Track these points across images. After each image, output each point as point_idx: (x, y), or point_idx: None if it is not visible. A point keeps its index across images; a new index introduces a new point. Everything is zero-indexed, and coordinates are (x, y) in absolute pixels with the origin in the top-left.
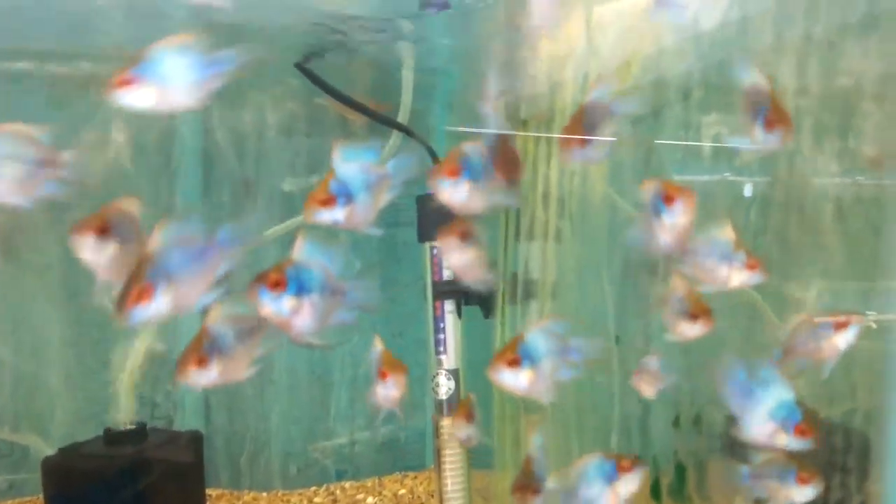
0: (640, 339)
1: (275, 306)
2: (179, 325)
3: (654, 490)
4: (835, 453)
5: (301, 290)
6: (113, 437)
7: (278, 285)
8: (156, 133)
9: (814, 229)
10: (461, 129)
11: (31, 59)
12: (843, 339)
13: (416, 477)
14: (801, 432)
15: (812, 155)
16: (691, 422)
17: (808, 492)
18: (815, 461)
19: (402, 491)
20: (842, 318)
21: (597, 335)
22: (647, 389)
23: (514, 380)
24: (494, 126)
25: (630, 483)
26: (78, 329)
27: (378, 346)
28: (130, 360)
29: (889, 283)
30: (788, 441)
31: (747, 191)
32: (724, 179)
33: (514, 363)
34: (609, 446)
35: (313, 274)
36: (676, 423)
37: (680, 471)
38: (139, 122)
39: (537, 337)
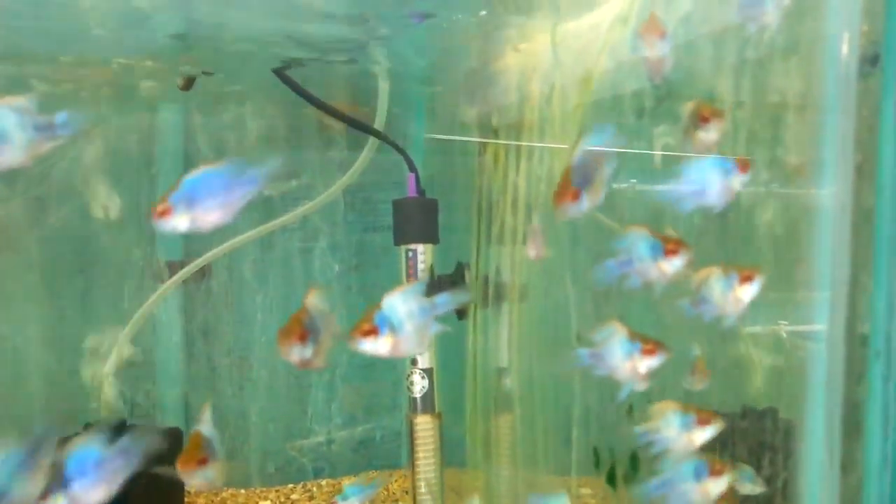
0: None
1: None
2: (158, 326)
3: (610, 478)
4: (765, 435)
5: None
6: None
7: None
8: (137, 136)
9: (750, 238)
10: (438, 136)
11: (14, 63)
12: (747, 293)
13: (391, 475)
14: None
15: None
16: (645, 412)
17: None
18: (751, 443)
19: None
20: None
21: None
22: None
23: (375, 347)
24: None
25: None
26: (58, 329)
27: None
28: (111, 359)
29: (810, 294)
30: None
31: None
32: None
33: (371, 333)
34: (570, 439)
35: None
36: (630, 413)
37: (633, 459)
38: (120, 126)
39: (395, 301)
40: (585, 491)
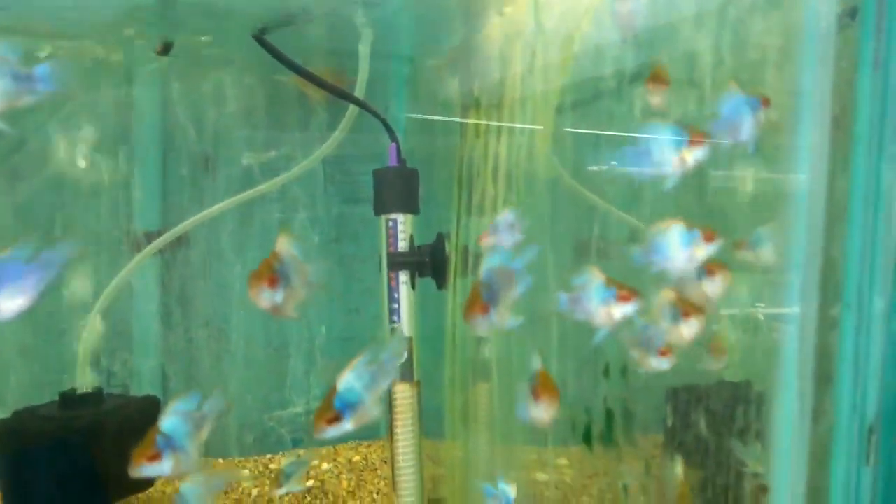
0: None
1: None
2: (134, 296)
3: (587, 437)
4: (739, 390)
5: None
6: (69, 401)
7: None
8: (113, 106)
9: (728, 217)
10: (420, 116)
11: None
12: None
13: (369, 445)
14: (662, 353)
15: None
16: (619, 372)
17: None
18: (726, 397)
19: (357, 458)
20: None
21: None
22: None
23: (342, 429)
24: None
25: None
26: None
27: (537, 363)
28: (86, 329)
29: (782, 276)
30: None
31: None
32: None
33: (335, 420)
34: None
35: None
36: (606, 373)
37: (609, 417)
38: (97, 94)
39: (350, 381)
40: (562, 461)
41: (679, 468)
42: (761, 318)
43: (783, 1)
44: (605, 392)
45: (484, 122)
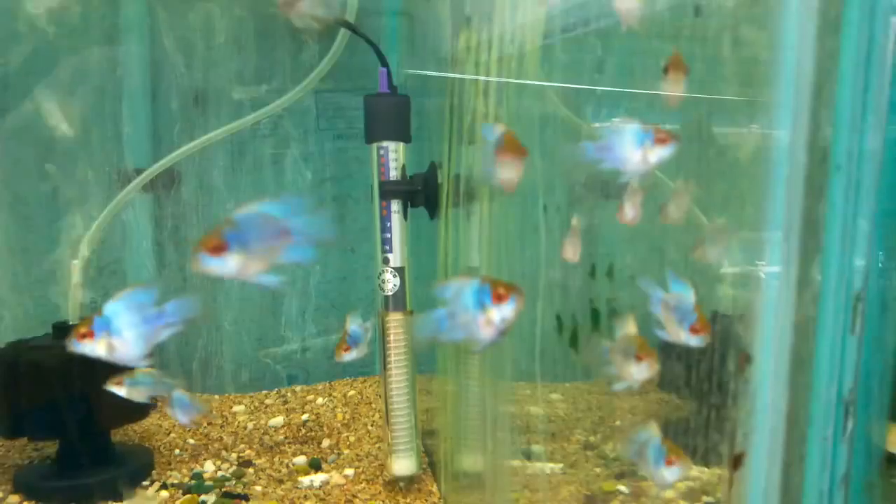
0: (563, 206)
1: (220, 267)
2: (127, 233)
3: (573, 340)
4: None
5: (242, 245)
6: (62, 332)
7: (219, 249)
8: (99, 39)
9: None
10: (417, 72)
11: None
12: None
13: (365, 381)
14: (695, 331)
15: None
16: (605, 272)
17: (644, 370)
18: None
19: (352, 392)
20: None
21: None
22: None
23: (93, 350)
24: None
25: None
26: (25, 238)
27: (500, 127)
28: (78, 264)
29: (762, 234)
30: (687, 338)
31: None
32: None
33: (88, 336)
34: (535, 311)
35: (253, 226)
36: (592, 273)
37: (595, 316)
38: (81, 27)
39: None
40: (555, 396)
41: (632, 327)
42: (762, 276)
43: None
44: (591, 293)
45: (472, 76)
